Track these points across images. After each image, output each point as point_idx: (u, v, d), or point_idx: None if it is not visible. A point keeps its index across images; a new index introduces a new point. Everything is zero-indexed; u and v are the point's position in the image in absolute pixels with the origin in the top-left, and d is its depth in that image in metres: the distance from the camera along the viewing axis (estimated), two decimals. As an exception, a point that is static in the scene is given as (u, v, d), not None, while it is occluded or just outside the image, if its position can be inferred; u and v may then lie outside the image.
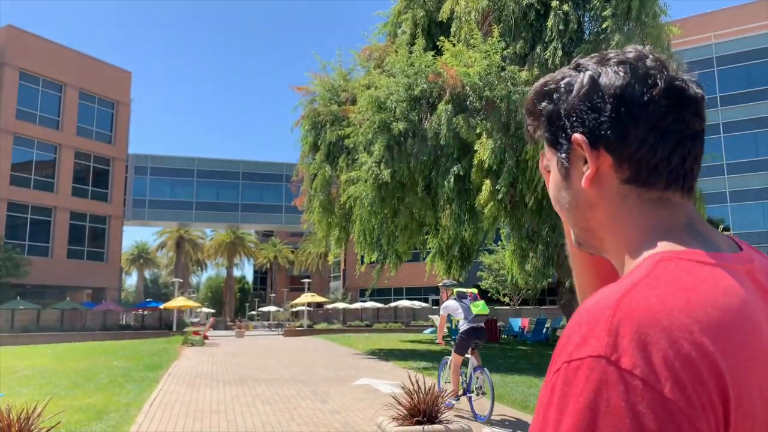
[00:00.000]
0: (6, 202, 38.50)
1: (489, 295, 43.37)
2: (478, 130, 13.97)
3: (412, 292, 49.98)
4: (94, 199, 44.17)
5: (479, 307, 8.02)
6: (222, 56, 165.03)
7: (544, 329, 22.29)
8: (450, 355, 8.41)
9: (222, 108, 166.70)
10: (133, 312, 40.45)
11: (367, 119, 15.27)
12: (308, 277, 52.19)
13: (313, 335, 33.08)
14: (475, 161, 13.48)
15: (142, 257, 75.71)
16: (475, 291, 8.42)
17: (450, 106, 14.45)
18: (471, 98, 14.52)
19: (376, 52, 18.38)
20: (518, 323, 25.07)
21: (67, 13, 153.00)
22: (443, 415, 4.82)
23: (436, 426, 4.62)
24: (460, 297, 8.14)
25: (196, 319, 57.51)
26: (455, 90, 14.82)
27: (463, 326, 7.97)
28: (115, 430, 6.79)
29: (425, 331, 29.56)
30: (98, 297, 43.77)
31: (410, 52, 15.98)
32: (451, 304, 8.21)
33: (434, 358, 15.32)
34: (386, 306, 42.75)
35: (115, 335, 32.89)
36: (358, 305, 45.31)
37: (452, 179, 13.94)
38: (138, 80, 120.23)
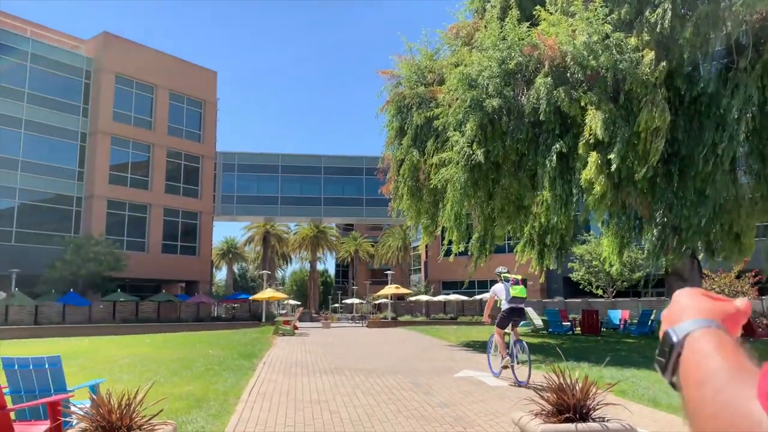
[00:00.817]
0: (106, 200, 40.60)
1: (581, 287, 41.34)
2: (582, 103, 12.85)
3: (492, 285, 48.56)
4: (186, 195, 45.87)
5: (517, 291, 9.30)
6: (301, 52, 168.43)
7: (649, 321, 20.62)
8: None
9: (304, 103, 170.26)
10: (224, 304, 41.71)
11: (458, 98, 14.46)
12: (388, 270, 52.07)
13: (398, 327, 32.66)
14: (585, 134, 12.37)
15: (231, 252, 78.33)
16: (519, 277, 9.58)
17: (549, 78, 13.39)
18: (572, 69, 13.39)
19: (463, 29, 17.49)
20: (617, 315, 23.43)
21: (155, 16, 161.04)
22: (597, 412, 4.03)
23: (592, 425, 3.84)
24: (506, 280, 9.47)
25: (283, 311, 58.80)
26: (554, 61, 13.75)
27: (504, 306, 9.39)
28: (215, 419, 6.44)
29: (516, 324, 28.35)
30: (191, 290, 45.46)
31: (501, 26, 15.01)
32: (498, 288, 9.61)
33: (536, 350, 14.35)
34: (471, 299, 41.68)
35: (208, 326, 33.89)
36: (441, 297, 44.54)
37: (554, 157, 12.90)
38: (223, 79, 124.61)
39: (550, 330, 21.00)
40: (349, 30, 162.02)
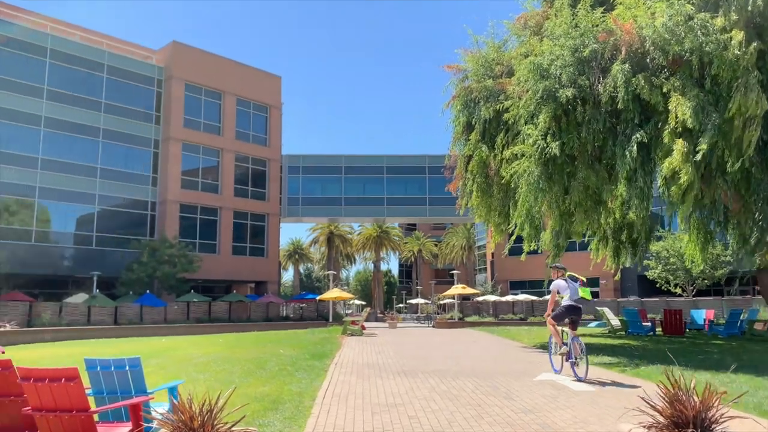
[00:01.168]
0: (179, 204, 42.04)
1: (657, 285, 39.39)
2: (664, 90, 12.05)
3: (568, 284, 47.05)
4: (254, 198, 46.94)
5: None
6: (360, 52, 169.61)
7: (738, 322, 19.24)
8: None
9: (365, 104, 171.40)
10: (292, 304, 42.34)
11: (528, 90, 13.90)
12: (453, 270, 51.39)
13: (465, 327, 32.11)
14: (670, 122, 11.57)
15: (297, 253, 79.75)
16: (584, 279, 10.29)
17: (626, 65, 12.63)
18: (652, 54, 12.60)
19: (532, 19, 16.85)
20: (701, 315, 22.01)
21: (220, 24, 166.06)
22: (720, 426, 3.55)
23: (718, 441, 3.38)
24: (572, 279, 9.91)
25: (349, 311, 59.22)
26: (632, 47, 12.97)
27: (565, 302, 9.64)
28: (292, 423, 6.30)
29: (590, 325, 27.24)
30: (260, 290, 46.48)
31: (573, 14, 14.32)
32: (561, 283, 9.81)
33: (617, 352, 13.62)
34: (541, 299, 40.51)
35: (277, 326, 34.44)
36: (509, 297, 43.59)
37: (634, 147, 12.13)
38: (286, 83, 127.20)
39: (629, 331, 19.94)
40: (410, 28, 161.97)
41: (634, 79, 12.39)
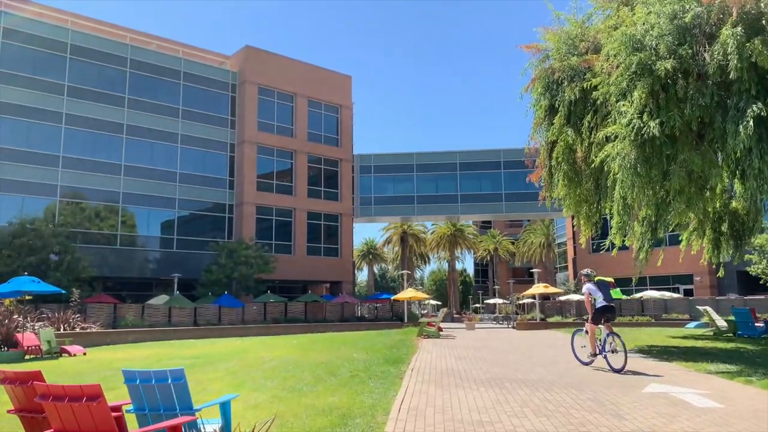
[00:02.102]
0: (255, 206, 42.54)
1: (761, 282, 35.90)
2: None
3: (658, 282, 44.02)
4: (327, 199, 46.88)
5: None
6: (428, 48, 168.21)
7: None
8: (580, 328, 12.18)
9: (435, 100, 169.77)
10: (367, 304, 41.85)
11: (620, 64, 12.41)
12: (531, 269, 49.21)
13: (549, 329, 30.37)
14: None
15: (371, 253, 79.57)
16: (612, 280, 11.37)
17: (738, 29, 10.97)
18: (770, 14, 10.88)
19: (619, -11, 15.27)
20: (824, 315, 19.46)
21: (290, 26, 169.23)
22: None
23: None
24: (600, 284, 11.06)
25: (424, 311, 58.22)
26: (744, 7, 11.28)
27: (599, 304, 10.84)
28: (363, 443, 5.42)
29: (688, 326, 24.94)
30: (335, 290, 46.36)
31: (670, -23, 12.70)
32: (592, 287, 11.10)
33: (734, 358, 11.93)
34: (628, 297, 37.91)
35: (352, 326, 33.99)
36: (594, 296, 41.08)
37: (750, 122, 10.47)
38: (356, 83, 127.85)
39: (739, 333, 17.84)
40: (478, 23, 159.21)
41: (748, 44, 10.72)
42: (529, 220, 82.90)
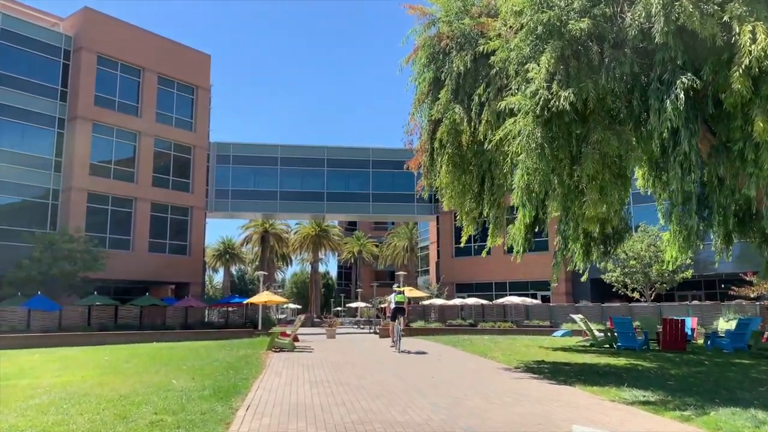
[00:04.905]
0: (86, 193, 36.47)
1: (613, 290, 37.08)
2: (727, 17, 8.69)
3: (517, 287, 44.44)
4: (176, 189, 41.73)
5: (399, 297, 18.17)
6: (301, 34, 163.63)
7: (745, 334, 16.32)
8: None
9: (305, 91, 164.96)
10: (217, 308, 37.47)
11: (524, 25, 10.28)
12: (399, 272, 47.72)
13: (414, 336, 28.41)
14: (742, 59, 8.20)
15: (228, 253, 74.13)
16: (402, 289, 20.89)
17: (664, -13, 9.22)
18: (700, -28, 9.23)
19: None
20: (688, 324, 19.15)
21: None
22: None
23: None
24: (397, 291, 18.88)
25: (283, 316, 54.54)
26: (670, -37, 9.57)
27: (392, 306, 18.37)
28: None
29: (555, 334, 24.12)
30: (182, 293, 41.26)
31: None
32: (390, 296, 19.14)
33: (633, 378, 10.16)
34: (490, 303, 37.42)
35: (196, 334, 29.72)
36: (457, 301, 40.21)
37: (681, 95, 8.69)
38: (216, 64, 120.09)
39: (619, 344, 16.72)
40: (352, 9, 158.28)
41: (677, 3, 8.97)
42: (393, 223, 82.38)
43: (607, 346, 17.23)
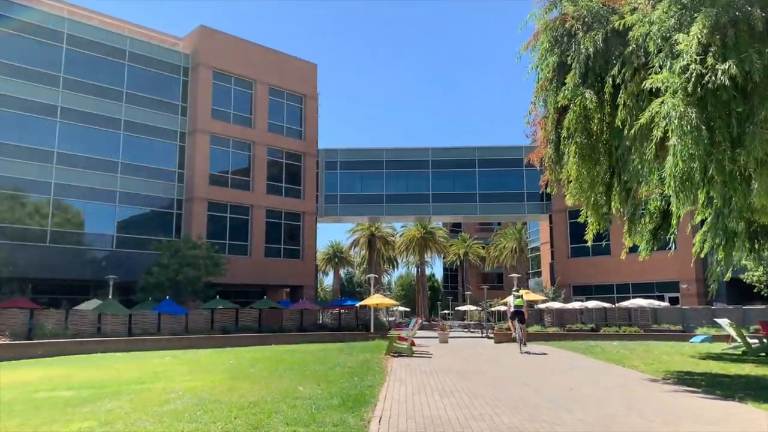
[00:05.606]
0: (206, 202, 38.44)
1: (754, 290, 33.41)
2: None
3: (641, 289, 41.36)
4: (288, 196, 43.07)
5: (518, 301, 18.02)
6: (402, 40, 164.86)
7: None
8: None
9: (410, 95, 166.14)
10: (330, 311, 38.07)
11: (666, -6, 9.11)
12: (501, 274, 46.11)
13: (532, 341, 27.07)
14: None
15: (336, 256, 75.75)
16: (522, 293, 19.30)
17: None
18: None
19: None
20: None
21: (252, 8, 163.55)
22: None
23: None
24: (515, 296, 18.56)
25: (392, 318, 54.59)
26: None
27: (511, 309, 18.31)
28: None
29: (693, 340, 21.93)
30: (296, 296, 42.41)
31: None
32: (510, 299, 19.09)
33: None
34: (613, 306, 35.03)
35: (312, 336, 30.27)
36: (576, 304, 38.09)
37: None
38: (323, 73, 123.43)
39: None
40: (455, 13, 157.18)
41: None
42: (499, 224, 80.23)
43: (763, 354, 15.20)
